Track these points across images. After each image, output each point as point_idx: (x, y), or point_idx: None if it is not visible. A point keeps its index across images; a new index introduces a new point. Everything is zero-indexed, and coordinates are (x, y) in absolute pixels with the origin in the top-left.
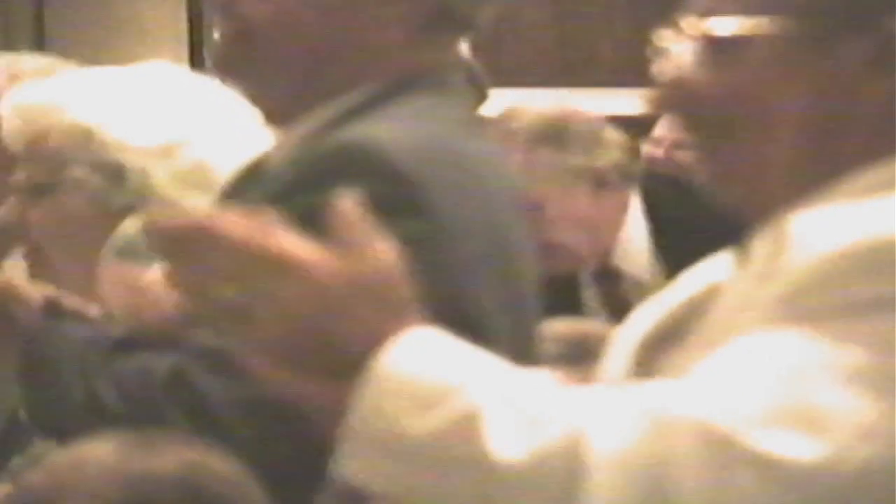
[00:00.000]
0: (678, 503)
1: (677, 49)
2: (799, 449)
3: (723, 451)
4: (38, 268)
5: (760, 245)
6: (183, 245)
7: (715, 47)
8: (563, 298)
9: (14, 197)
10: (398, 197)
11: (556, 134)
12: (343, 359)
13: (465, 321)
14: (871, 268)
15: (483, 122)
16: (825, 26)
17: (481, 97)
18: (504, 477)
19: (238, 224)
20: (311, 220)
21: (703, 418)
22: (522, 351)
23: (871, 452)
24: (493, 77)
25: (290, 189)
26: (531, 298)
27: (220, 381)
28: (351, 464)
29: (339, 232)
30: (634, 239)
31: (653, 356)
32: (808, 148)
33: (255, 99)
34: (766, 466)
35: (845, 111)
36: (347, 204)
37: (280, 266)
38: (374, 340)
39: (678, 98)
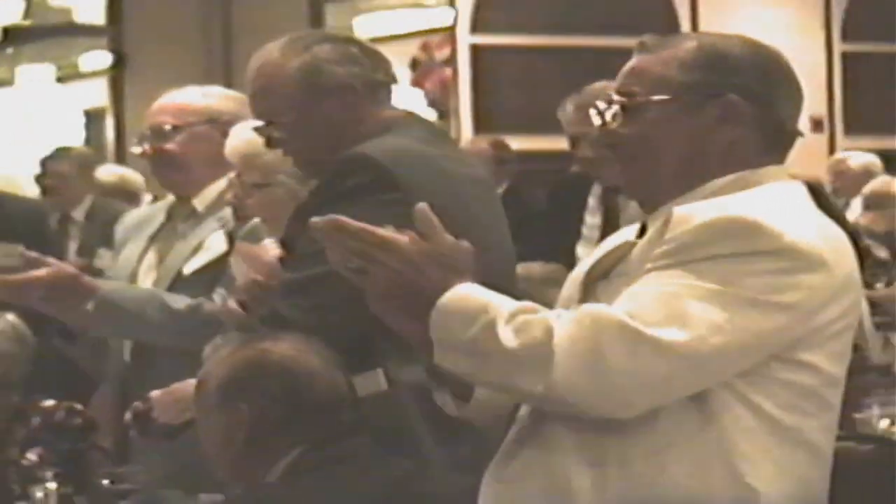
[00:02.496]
0: (604, 365)
1: (608, 110)
2: (671, 334)
3: (628, 335)
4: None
5: (653, 222)
6: (337, 235)
7: (628, 110)
8: None
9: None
10: (382, 180)
11: None
12: (425, 302)
13: None
14: (729, 233)
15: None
16: (692, 98)
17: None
18: (507, 356)
19: (362, 225)
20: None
21: (619, 317)
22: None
23: (720, 342)
24: None
25: (323, 184)
26: (498, 263)
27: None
28: (437, 357)
29: (421, 223)
30: None
31: (591, 289)
32: (681, 168)
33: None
34: (651, 343)
35: (704, 148)
36: (424, 207)
37: (386, 245)
38: (441, 290)
39: (607, 138)
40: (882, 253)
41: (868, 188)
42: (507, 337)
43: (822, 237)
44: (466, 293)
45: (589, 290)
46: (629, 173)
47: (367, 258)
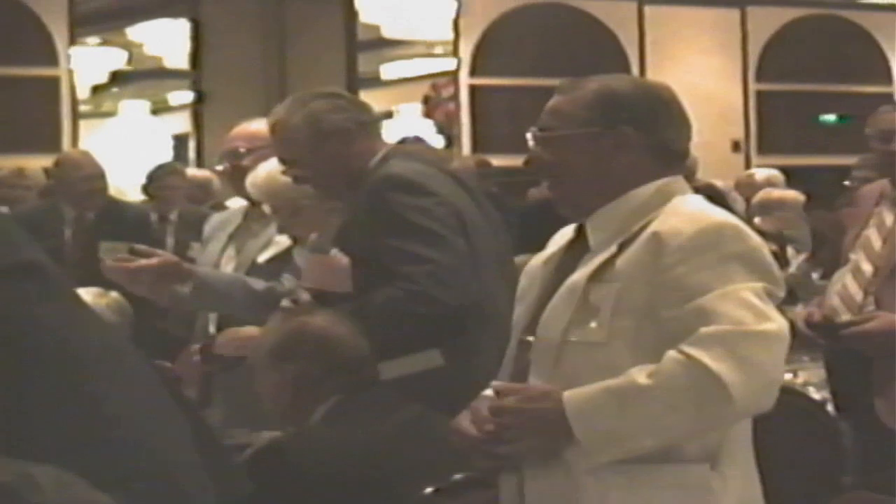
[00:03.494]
0: (756, 368)
1: (533, 141)
2: (768, 326)
3: (752, 338)
4: None
5: (593, 228)
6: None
7: (548, 140)
8: None
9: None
10: (418, 189)
11: None
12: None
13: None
14: (726, 236)
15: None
16: (596, 131)
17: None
18: (654, 395)
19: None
20: (388, 213)
21: (734, 329)
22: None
23: (782, 323)
24: None
25: (368, 203)
26: (488, 255)
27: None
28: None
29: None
30: None
31: (587, 290)
32: (591, 186)
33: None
34: (764, 337)
35: (607, 169)
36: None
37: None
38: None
39: (534, 163)
40: (772, 247)
41: (756, 197)
42: (643, 378)
43: None
44: (578, 393)
45: (584, 291)
46: (553, 190)
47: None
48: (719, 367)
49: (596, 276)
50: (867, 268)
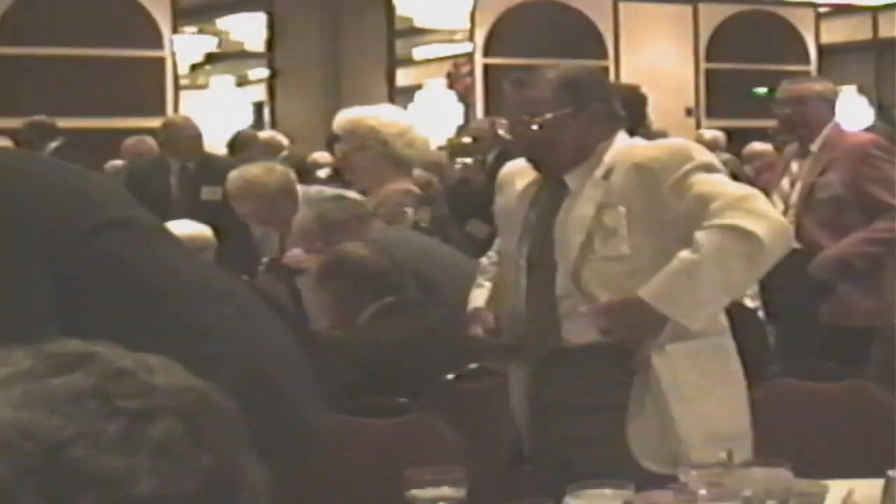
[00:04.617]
0: (769, 224)
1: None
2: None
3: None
4: None
5: (571, 177)
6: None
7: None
8: None
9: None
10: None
11: None
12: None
13: None
14: (690, 151)
15: None
16: (573, 110)
17: None
18: (710, 263)
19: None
20: None
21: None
22: None
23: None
24: None
25: None
26: None
27: None
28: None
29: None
30: None
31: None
32: (573, 147)
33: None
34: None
35: (586, 136)
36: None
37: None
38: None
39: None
40: None
41: None
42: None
43: None
44: (649, 286)
45: (596, 217)
46: (533, 151)
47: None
48: (745, 222)
49: (601, 205)
50: (779, 205)
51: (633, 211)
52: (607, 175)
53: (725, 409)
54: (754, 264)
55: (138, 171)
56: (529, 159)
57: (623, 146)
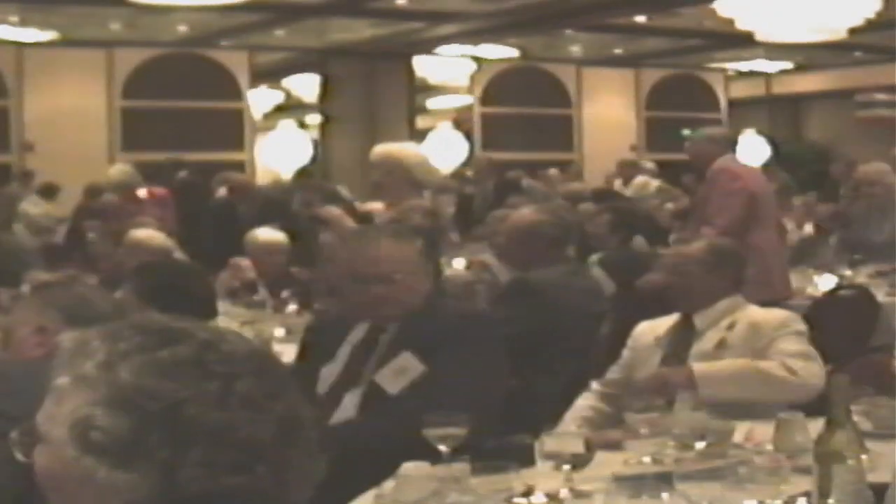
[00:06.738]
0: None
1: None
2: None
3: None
4: None
5: (700, 320)
6: None
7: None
8: None
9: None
10: None
11: None
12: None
13: None
14: (791, 320)
15: None
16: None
17: None
18: (757, 374)
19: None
20: None
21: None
22: None
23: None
24: None
25: None
26: None
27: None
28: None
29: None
30: None
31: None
32: (704, 297)
33: None
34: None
35: (713, 287)
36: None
37: None
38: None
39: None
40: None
41: (635, 181)
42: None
43: None
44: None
45: (713, 356)
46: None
47: None
48: (796, 364)
49: (717, 346)
50: None
51: (742, 356)
52: (731, 324)
53: None
54: (784, 394)
55: (212, 211)
56: None
57: (741, 308)
